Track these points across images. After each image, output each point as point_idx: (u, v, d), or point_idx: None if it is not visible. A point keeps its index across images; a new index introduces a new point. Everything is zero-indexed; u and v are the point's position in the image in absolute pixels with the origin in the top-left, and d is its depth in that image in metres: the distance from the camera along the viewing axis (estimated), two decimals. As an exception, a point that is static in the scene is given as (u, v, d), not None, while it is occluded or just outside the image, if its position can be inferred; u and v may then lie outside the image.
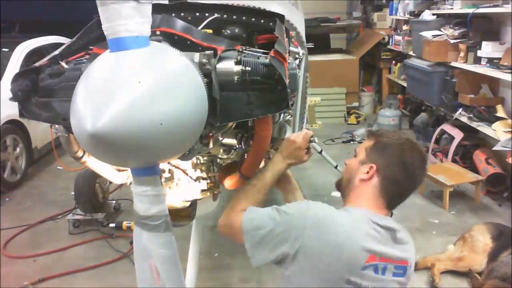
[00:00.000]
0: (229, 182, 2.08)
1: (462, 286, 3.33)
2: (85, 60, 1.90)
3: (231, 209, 1.62)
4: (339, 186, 1.68)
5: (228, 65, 1.63)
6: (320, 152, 4.71)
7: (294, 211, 1.48)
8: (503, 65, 4.56)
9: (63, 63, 1.92)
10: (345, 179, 1.64)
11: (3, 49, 5.89)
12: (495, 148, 4.40)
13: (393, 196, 1.56)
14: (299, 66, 2.09)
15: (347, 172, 1.64)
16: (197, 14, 1.95)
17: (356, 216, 1.48)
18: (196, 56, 1.64)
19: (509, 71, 4.39)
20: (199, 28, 1.89)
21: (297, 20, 3.15)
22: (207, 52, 1.68)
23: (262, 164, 1.94)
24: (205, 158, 2.32)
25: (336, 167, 4.73)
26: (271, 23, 1.95)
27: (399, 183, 1.54)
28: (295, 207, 1.53)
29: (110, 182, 3.83)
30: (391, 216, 1.57)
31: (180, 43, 1.71)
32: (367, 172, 1.55)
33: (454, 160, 5.23)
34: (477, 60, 4.95)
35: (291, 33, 2.22)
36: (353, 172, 1.60)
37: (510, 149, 4.20)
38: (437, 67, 5.70)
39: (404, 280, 1.52)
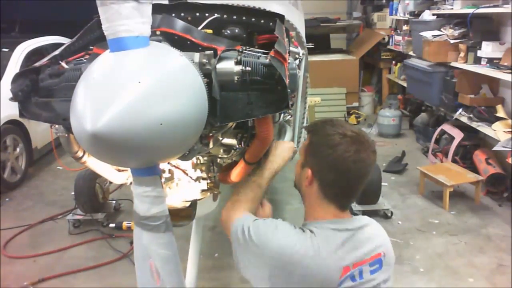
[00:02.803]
0: (235, 172, 2.07)
1: (461, 286, 3.33)
2: (85, 60, 1.90)
3: (231, 205, 1.59)
4: (296, 187, 1.60)
5: (228, 65, 1.63)
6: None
7: (256, 248, 1.38)
8: (503, 65, 4.56)
9: (63, 63, 1.92)
10: (296, 182, 1.58)
11: (3, 49, 5.89)
12: (495, 148, 4.40)
13: (337, 197, 1.47)
14: (299, 66, 2.09)
15: (296, 176, 1.56)
16: (197, 14, 1.95)
17: (316, 236, 1.39)
18: (196, 56, 1.64)
19: (509, 71, 4.39)
20: (199, 28, 1.89)
21: (297, 20, 3.15)
22: (207, 52, 1.68)
23: None
24: (205, 158, 2.32)
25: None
26: (271, 23, 1.95)
27: (336, 183, 1.44)
28: (258, 241, 1.39)
29: (110, 182, 3.83)
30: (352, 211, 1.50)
31: (180, 43, 1.70)
32: (307, 177, 1.47)
33: (454, 160, 5.23)
34: (477, 60, 4.95)
35: (291, 33, 2.22)
36: (297, 176, 1.54)
37: (510, 149, 4.20)
38: (437, 67, 5.71)
39: (384, 270, 1.48)
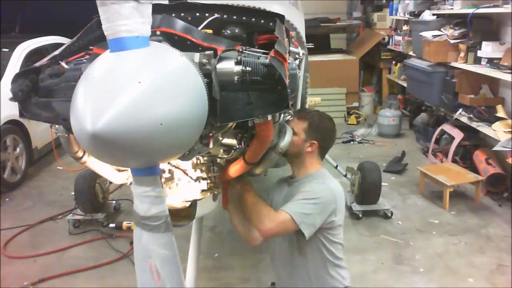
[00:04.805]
0: (234, 168, 2.07)
1: (461, 287, 3.33)
2: (85, 60, 1.90)
3: (267, 216, 2.01)
4: (286, 156, 2.14)
5: (228, 65, 1.63)
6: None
7: (323, 198, 2.06)
8: (503, 65, 4.56)
9: (63, 63, 1.92)
10: (294, 152, 2.17)
11: (3, 49, 5.89)
12: (495, 148, 4.40)
13: (325, 153, 2.31)
14: (299, 66, 2.08)
15: (295, 147, 2.14)
16: (197, 14, 1.95)
17: (330, 180, 2.18)
18: (196, 56, 1.64)
19: (509, 71, 4.39)
20: (199, 28, 1.89)
21: (297, 20, 3.15)
22: (207, 52, 1.68)
23: None
24: (205, 158, 2.32)
25: (336, 167, 4.74)
26: (271, 23, 1.95)
27: (330, 145, 2.30)
28: (322, 194, 2.07)
29: (110, 182, 3.83)
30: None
31: (180, 43, 1.70)
32: (310, 146, 2.18)
33: (454, 160, 5.23)
34: (477, 60, 4.95)
35: (291, 33, 2.22)
36: (299, 147, 2.18)
37: (510, 149, 4.20)
38: (437, 67, 5.71)
39: None
